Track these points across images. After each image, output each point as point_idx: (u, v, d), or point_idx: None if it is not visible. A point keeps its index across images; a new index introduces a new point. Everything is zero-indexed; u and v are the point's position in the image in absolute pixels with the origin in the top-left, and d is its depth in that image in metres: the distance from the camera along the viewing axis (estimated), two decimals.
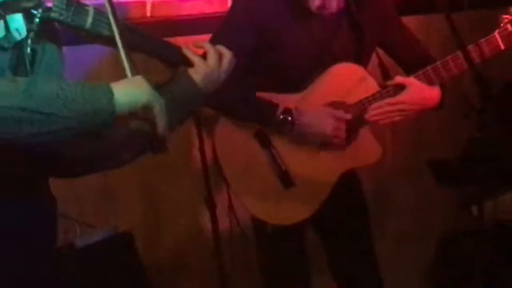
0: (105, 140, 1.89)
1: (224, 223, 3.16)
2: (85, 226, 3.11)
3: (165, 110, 1.70)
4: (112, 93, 1.62)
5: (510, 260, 3.35)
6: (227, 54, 1.96)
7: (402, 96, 2.85)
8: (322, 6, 2.74)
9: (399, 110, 2.87)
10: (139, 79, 1.70)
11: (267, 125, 2.85)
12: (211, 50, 1.94)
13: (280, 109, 2.80)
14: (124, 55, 1.75)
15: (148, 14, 3.43)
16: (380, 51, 2.98)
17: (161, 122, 1.69)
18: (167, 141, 1.75)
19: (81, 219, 3.09)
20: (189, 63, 1.92)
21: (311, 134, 2.84)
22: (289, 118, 2.80)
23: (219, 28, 2.84)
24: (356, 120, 2.88)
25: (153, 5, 3.43)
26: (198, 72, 1.91)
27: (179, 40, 2.04)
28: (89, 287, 2.95)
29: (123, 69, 1.74)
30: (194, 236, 3.56)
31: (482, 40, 2.83)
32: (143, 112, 1.68)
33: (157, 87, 1.91)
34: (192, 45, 1.96)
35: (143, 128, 1.72)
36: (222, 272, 3.19)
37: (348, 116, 2.85)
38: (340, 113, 2.84)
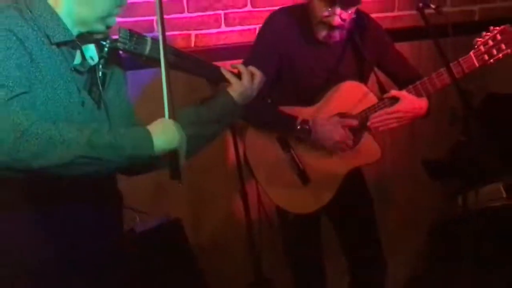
0: None
1: (254, 212, 3.14)
2: (143, 214, 3.12)
3: (184, 154, 1.71)
4: (152, 142, 1.64)
5: (490, 240, 3.33)
6: (258, 74, 1.97)
7: (397, 107, 2.83)
8: (327, 36, 2.77)
9: (395, 118, 2.85)
10: (171, 124, 1.70)
11: (289, 133, 2.85)
12: (244, 71, 1.95)
13: (299, 121, 2.80)
14: (166, 79, 1.74)
15: (192, 44, 3.42)
16: (377, 70, 2.97)
17: (182, 159, 1.71)
18: (182, 174, 1.74)
19: (140, 209, 3.10)
20: (228, 82, 1.92)
21: (324, 140, 2.83)
22: (307, 127, 2.80)
23: (249, 54, 2.86)
24: (360, 126, 2.88)
25: (196, 36, 3.42)
26: (235, 90, 1.92)
27: (218, 65, 2.00)
28: (147, 265, 2.96)
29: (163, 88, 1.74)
30: (230, 223, 3.54)
31: (461, 59, 2.82)
32: (170, 152, 1.69)
33: (202, 102, 1.94)
34: (229, 66, 1.97)
35: (168, 162, 1.72)
36: (253, 252, 3.16)
37: (354, 123, 2.85)
38: (347, 121, 2.85)
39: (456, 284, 3.16)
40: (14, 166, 1.50)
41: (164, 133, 1.68)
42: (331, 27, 2.74)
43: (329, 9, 2.69)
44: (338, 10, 2.68)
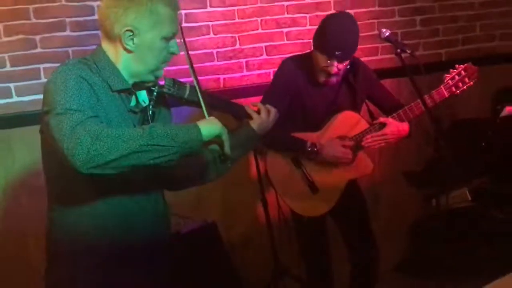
0: (198, 163, 1.90)
1: (273, 216, 3.14)
2: (187, 219, 3.12)
3: (228, 138, 1.69)
4: (199, 130, 1.61)
5: (458, 233, 3.30)
6: (273, 111, 1.97)
7: (384, 130, 2.82)
8: (326, 81, 2.79)
9: (383, 139, 2.83)
10: (213, 118, 1.69)
11: (301, 154, 2.84)
12: (263, 108, 1.95)
13: (309, 144, 2.79)
14: (206, 110, 1.75)
15: (221, 86, 3.45)
16: (368, 102, 2.97)
17: (226, 145, 1.69)
18: (229, 157, 1.73)
19: (184, 215, 3.11)
20: (249, 117, 1.93)
21: (329, 157, 2.81)
22: (315, 149, 2.79)
23: (266, 93, 2.86)
24: (355, 146, 2.86)
25: (224, 79, 3.45)
26: (255, 123, 1.93)
27: (241, 101, 2.04)
28: (190, 259, 2.96)
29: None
30: (254, 224, 3.54)
31: (433, 91, 2.82)
32: (216, 139, 1.67)
33: (230, 132, 1.94)
34: (251, 104, 1.98)
35: (216, 148, 1.71)
36: (273, 247, 3.18)
37: (351, 143, 2.84)
38: (345, 142, 2.84)
39: (431, 265, 3.14)
40: (95, 162, 1.47)
41: (208, 123, 1.66)
42: (329, 75, 2.74)
43: (328, 61, 2.69)
44: (335, 63, 2.69)
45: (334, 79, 2.78)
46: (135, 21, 1.67)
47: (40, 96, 2.86)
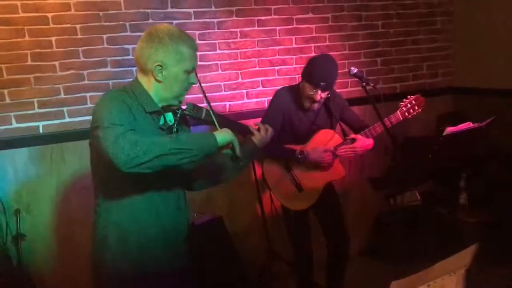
0: (214, 166, 1.90)
1: (268, 210, 3.13)
2: (199, 213, 3.12)
3: (238, 143, 1.70)
4: (215, 138, 1.64)
5: (410, 225, 3.29)
6: (270, 129, 1.95)
7: (354, 144, 2.82)
8: (310, 107, 2.80)
9: (353, 151, 2.83)
10: (226, 129, 1.71)
11: (291, 159, 2.83)
12: (262, 127, 1.93)
13: (298, 151, 2.80)
14: (218, 126, 1.75)
15: (227, 110, 3.44)
16: (341, 122, 2.97)
17: (237, 148, 1.70)
18: (240, 158, 1.74)
19: (197, 210, 3.11)
20: (252, 134, 1.91)
21: (314, 160, 2.80)
22: (304, 154, 2.79)
23: (265, 116, 2.86)
24: (332, 155, 2.85)
25: (229, 105, 3.45)
26: (256, 139, 1.91)
27: (243, 121, 1.99)
28: (202, 247, 2.95)
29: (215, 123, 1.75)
30: (252, 218, 3.51)
31: (391, 115, 2.83)
32: (228, 144, 1.69)
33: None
34: (253, 124, 1.97)
35: (229, 152, 1.71)
36: (267, 235, 3.17)
37: (329, 149, 2.82)
38: (327, 149, 2.83)
39: (390, 250, 3.12)
40: (134, 163, 1.49)
41: (222, 132, 1.69)
42: (314, 101, 2.75)
43: (314, 90, 2.70)
44: (319, 91, 2.70)
45: (316, 105, 2.79)
46: (164, 58, 1.69)
47: (87, 118, 2.95)
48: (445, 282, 1.28)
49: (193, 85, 1.80)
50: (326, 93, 2.73)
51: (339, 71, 3.63)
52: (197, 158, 1.61)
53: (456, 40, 4.20)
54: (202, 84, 1.86)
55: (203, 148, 1.61)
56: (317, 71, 2.69)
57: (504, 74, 3.75)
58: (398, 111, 2.85)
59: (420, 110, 2.87)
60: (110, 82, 3.07)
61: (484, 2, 3.90)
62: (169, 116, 1.81)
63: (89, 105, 3.02)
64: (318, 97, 2.71)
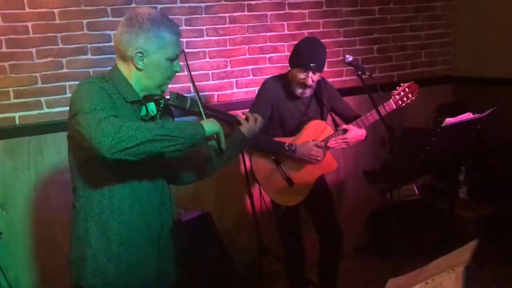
0: (198, 158, 1.89)
1: (258, 206, 3.10)
2: (186, 209, 3.11)
3: (223, 135, 1.71)
4: (203, 127, 1.64)
5: (408, 220, 3.29)
6: (259, 119, 1.95)
7: (346, 135, 2.81)
8: (302, 93, 2.78)
9: (345, 142, 2.82)
10: (212, 119, 1.71)
11: (281, 152, 2.82)
12: (251, 116, 1.92)
13: (287, 144, 2.79)
14: (204, 116, 1.75)
15: (215, 100, 3.42)
16: (332, 113, 2.97)
17: (222, 140, 1.70)
18: (225, 150, 1.74)
19: (184, 206, 3.09)
20: (240, 124, 1.91)
21: (304, 155, 2.80)
22: (293, 148, 2.79)
23: (253, 105, 2.85)
24: (323, 148, 2.85)
25: (218, 95, 3.42)
26: (245, 128, 1.90)
27: (232, 112, 1.98)
28: (189, 243, 2.94)
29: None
30: (241, 213, 3.50)
31: (385, 103, 2.82)
32: (214, 135, 1.69)
33: (226, 135, 1.92)
34: (241, 113, 1.95)
35: (214, 144, 1.72)
36: (258, 231, 3.15)
37: (321, 143, 2.83)
38: (317, 142, 2.83)
39: (385, 247, 3.12)
40: (117, 148, 1.47)
41: (209, 122, 1.68)
42: (305, 86, 2.74)
43: (304, 73, 2.69)
44: (310, 74, 2.69)
45: (308, 91, 2.78)
46: (144, 45, 1.66)
47: (66, 108, 2.82)
48: (443, 280, 1.27)
49: (179, 73, 1.79)
50: (317, 75, 2.73)
51: (334, 59, 3.69)
52: (183, 147, 1.60)
53: (456, 27, 4.20)
54: (187, 73, 1.83)
55: (190, 136, 1.60)
56: (305, 53, 2.70)
57: (505, 63, 3.76)
58: (391, 100, 2.85)
59: (413, 97, 2.87)
60: (91, 70, 3.03)
61: None
62: (151, 106, 1.79)
63: (68, 94, 2.98)
64: (309, 81, 2.71)
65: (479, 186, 3.35)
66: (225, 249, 3.17)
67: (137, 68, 1.70)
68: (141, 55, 1.67)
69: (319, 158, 2.83)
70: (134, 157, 1.51)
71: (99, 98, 1.57)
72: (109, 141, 1.46)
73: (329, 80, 3.10)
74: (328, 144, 2.83)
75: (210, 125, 1.67)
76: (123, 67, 1.72)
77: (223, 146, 1.71)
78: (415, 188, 3.36)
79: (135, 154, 1.50)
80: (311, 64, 2.66)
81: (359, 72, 2.47)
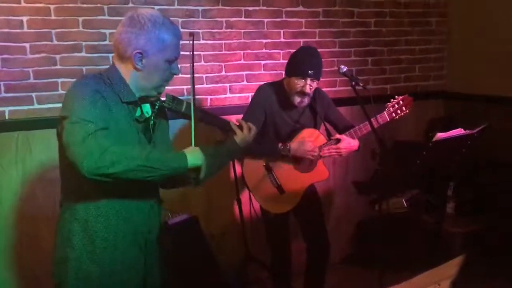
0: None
1: (247, 212, 3.11)
2: (174, 212, 3.11)
3: (206, 168, 1.68)
4: (187, 160, 1.64)
5: (395, 233, 3.31)
6: (253, 128, 1.95)
7: (339, 145, 2.82)
8: (300, 102, 2.79)
9: (338, 152, 2.83)
10: (198, 150, 1.68)
11: (275, 153, 2.80)
12: (245, 125, 1.92)
13: (280, 144, 2.79)
14: (193, 127, 1.74)
15: (208, 104, 3.42)
16: (325, 122, 2.98)
17: (203, 173, 1.68)
18: (203, 182, 1.73)
19: (172, 209, 3.09)
20: (234, 132, 1.90)
21: (299, 151, 2.78)
22: (287, 147, 2.78)
23: (247, 112, 2.85)
24: (316, 155, 2.84)
25: (211, 99, 3.42)
26: (238, 137, 1.90)
27: (224, 117, 1.98)
28: (174, 246, 2.94)
29: (191, 130, 1.73)
30: (231, 219, 3.49)
31: (378, 115, 2.85)
32: (196, 167, 1.67)
33: (217, 142, 1.93)
34: (235, 120, 1.96)
35: (194, 174, 1.70)
36: (245, 238, 3.16)
37: (317, 144, 2.83)
38: (311, 140, 2.83)
39: (372, 258, 3.13)
40: (98, 172, 1.49)
41: (194, 154, 1.67)
42: (304, 94, 2.75)
43: (303, 80, 2.70)
44: (308, 81, 2.70)
45: (306, 100, 2.78)
46: (144, 46, 1.67)
47: (58, 105, 2.90)
48: None
49: (176, 75, 1.79)
50: (315, 83, 2.75)
51: (328, 69, 3.71)
52: (163, 178, 1.64)
53: (450, 43, 4.26)
54: (182, 75, 1.85)
55: (172, 169, 1.62)
56: (303, 61, 2.72)
57: (497, 81, 3.81)
58: (385, 112, 2.87)
59: (407, 111, 2.89)
60: (84, 68, 3.02)
61: (480, 4, 3.96)
62: (146, 107, 1.80)
63: (61, 91, 2.97)
64: (308, 88, 2.72)
65: (467, 202, 3.38)
66: (211, 254, 3.17)
67: (135, 68, 1.70)
68: (141, 55, 1.68)
69: (315, 154, 2.81)
70: (112, 181, 1.53)
71: (91, 105, 1.57)
72: (91, 164, 1.47)
73: (323, 89, 3.12)
74: (321, 153, 2.84)
75: (195, 158, 1.66)
76: (121, 67, 1.72)
77: (202, 178, 1.69)
78: (403, 201, 3.38)
79: (113, 179, 1.53)
80: (309, 71, 2.67)
81: (353, 83, 2.48)
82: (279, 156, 2.81)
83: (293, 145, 2.79)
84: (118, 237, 1.73)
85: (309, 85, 2.71)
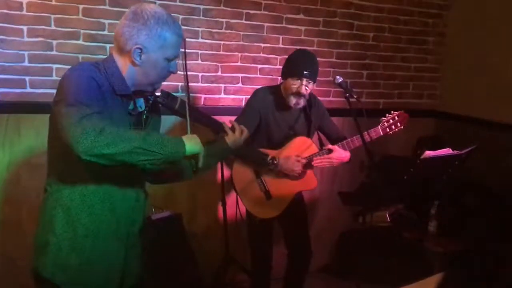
0: (175, 169, 1.88)
1: (232, 214, 3.12)
2: (158, 208, 3.11)
3: (204, 156, 1.66)
4: (184, 145, 1.60)
5: (376, 246, 3.33)
6: (246, 131, 1.95)
7: (331, 155, 2.85)
8: (296, 103, 2.80)
9: (329, 162, 2.86)
10: (196, 137, 1.66)
11: (263, 164, 2.82)
12: (237, 128, 1.92)
13: (270, 156, 2.80)
14: (189, 122, 1.73)
15: (202, 103, 3.42)
16: (319, 131, 3.01)
17: (201, 161, 1.67)
18: (201, 172, 1.71)
19: (156, 204, 3.09)
20: (225, 133, 1.90)
21: (285, 169, 2.82)
22: (275, 161, 2.80)
23: (241, 114, 2.86)
24: (306, 165, 2.88)
25: (204, 98, 3.43)
26: (230, 139, 1.90)
27: (217, 118, 1.96)
28: (155, 242, 2.92)
29: (186, 127, 1.70)
30: (214, 219, 3.50)
31: (372, 129, 2.88)
32: (194, 155, 1.66)
33: (208, 143, 1.92)
34: (228, 121, 1.95)
35: (192, 162, 1.68)
36: (226, 239, 3.17)
37: (304, 160, 2.85)
38: (299, 158, 2.85)
39: (352, 269, 3.15)
40: (93, 152, 1.45)
41: (192, 141, 1.64)
42: (299, 95, 2.76)
43: (298, 81, 2.72)
44: (304, 82, 2.72)
45: (302, 101, 2.79)
46: (146, 42, 1.66)
47: (50, 91, 2.89)
48: None
49: (174, 73, 1.78)
50: (311, 85, 2.76)
51: (323, 78, 3.73)
52: (160, 162, 1.57)
53: (445, 63, 4.30)
54: (179, 73, 1.84)
55: (170, 154, 1.57)
56: (298, 62, 2.75)
57: (488, 105, 3.86)
58: (379, 126, 2.90)
59: (402, 127, 2.93)
60: (80, 56, 3.01)
61: (478, 27, 4.01)
62: (140, 102, 1.79)
63: (55, 77, 2.96)
64: (303, 89, 2.74)
65: (449, 222, 3.40)
66: (191, 253, 3.16)
67: (133, 63, 1.69)
68: (140, 51, 1.67)
69: (298, 173, 2.85)
70: (107, 163, 1.49)
71: (87, 90, 1.56)
72: (87, 143, 1.43)
73: None
74: (313, 162, 2.86)
75: (193, 145, 1.63)
76: (119, 59, 1.71)
77: (200, 165, 1.68)
78: (387, 215, 3.40)
79: (109, 160, 1.48)
80: (304, 72, 2.70)
81: (347, 95, 2.48)
82: (266, 167, 2.83)
83: (281, 160, 2.81)
84: (101, 226, 1.72)
85: (305, 86, 2.73)
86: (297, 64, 2.74)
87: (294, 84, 2.74)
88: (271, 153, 2.85)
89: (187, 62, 3.28)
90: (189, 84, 3.32)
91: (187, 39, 3.27)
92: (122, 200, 1.77)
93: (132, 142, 1.49)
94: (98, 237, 1.73)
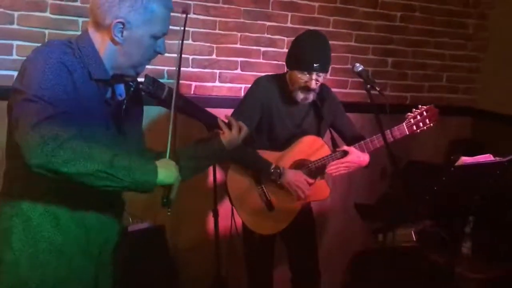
0: None
1: (225, 227, 3.11)
2: (136, 218, 3.11)
3: (177, 187, 1.66)
4: (157, 174, 1.59)
5: (397, 270, 3.34)
6: (245, 128, 1.95)
7: (347, 158, 2.85)
8: (304, 98, 2.81)
9: (345, 167, 2.86)
10: (172, 165, 1.66)
11: (263, 173, 2.84)
12: (235, 124, 1.92)
13: (273, 165, 2.81)
14: (173, 118, 1.73)
15: (192, 92, 3.43)
16: (331, 130, 3.02)
17: (173, 192, 1.67)
18: (172, 205, 1.68)
19: (134, 214, 3.09)
20: (221, 129, 1.90)
21: (289, 183, 2.82)
22: (278, 171, 2.80)
23: (239, 106, 2.86)
24: (316, 171, 2.89)
25: (195, 86, 3.44)
26: (226, 138, 1.90)
27: (209, 110, 1.97)
28: (133, 259, 2.93)
29: (170, 123, 1.72)
30: (203, 232, 3.51)
31: (396, 127, 2.88)
32: (166, 186, 1.65)
33: (198, 141, 1.93)
34: (224, 116, 1.95)
35: (164, 193, 1.67)
36: (218, 257, 3.15)
37: (311, 181, 2.86)
38: (308, 179, 2.86)
39: None
40: (48, 167, 1.44)
41: (166, 170, 1.64)
42: (308, 90, 2.76)
43: (307, 75, 2.72)
44: (313, 76, 2.71)
45: (311, 96, 2.80)
46: (128, 15, 1.66)
47: (11, 73, 2.89)
48: None
49: (161, 54, 1.79)
50: (322, 77, 2.76)
51: (340, 66, 3.74)
52: (123, 190, 1.59)
53: (487, 52, 4.30)
54: (167, 55, 1.85)
55: (137, 183, 1.57)
56: (306, 51, 2.73)
57: None
58: (404, 124, 2.90)
59: (431, 124, 2.93)
60: (46, 31, 3.02)
61: None
62: (120, 89, 1.80)
63: (15, 56, 2.97)
64: (313, 84, 2.74)
65: (487, 243, 3.41)
66: (174, 272, 3.19)
67: (113, 41, 1.69)
68: (122, 26, 1.67)
69: (304, 195, 2.86)
70: (62, 179, 1.49)
71: (54, 81, 1.55)
72: (42, 156, 1.43)
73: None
74: (327, 170, 2.87)
75: (167, 175, 1.63)
76: (95, 36, 1.71)
77: (172, 198, 1.67)
78: (413, 233, 3.40)
79: (65, 178, 1.48)
80: (314, 65, 2.69)
81: (368, 86, 2.47)
82: (268, 176, 2.83)
83: (288, 174, 2.82)
84: (67, 242, 1.73)
85: (315, 80, 2.73)
86: (305, 54, 2.72)
87: (302, 78, 2.75)
88: (273, 156, 2.85)
89: (172, 41, 3.32)
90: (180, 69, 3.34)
91: (175, 14, 3.28)
92: (93, 212, 1.77)
93: (96, 163, 1.49)
94: (63, 254, 1.73)
